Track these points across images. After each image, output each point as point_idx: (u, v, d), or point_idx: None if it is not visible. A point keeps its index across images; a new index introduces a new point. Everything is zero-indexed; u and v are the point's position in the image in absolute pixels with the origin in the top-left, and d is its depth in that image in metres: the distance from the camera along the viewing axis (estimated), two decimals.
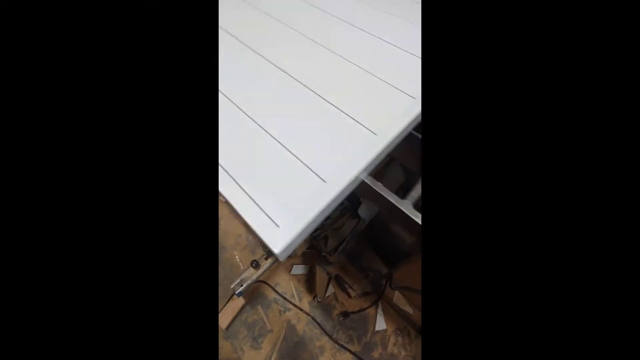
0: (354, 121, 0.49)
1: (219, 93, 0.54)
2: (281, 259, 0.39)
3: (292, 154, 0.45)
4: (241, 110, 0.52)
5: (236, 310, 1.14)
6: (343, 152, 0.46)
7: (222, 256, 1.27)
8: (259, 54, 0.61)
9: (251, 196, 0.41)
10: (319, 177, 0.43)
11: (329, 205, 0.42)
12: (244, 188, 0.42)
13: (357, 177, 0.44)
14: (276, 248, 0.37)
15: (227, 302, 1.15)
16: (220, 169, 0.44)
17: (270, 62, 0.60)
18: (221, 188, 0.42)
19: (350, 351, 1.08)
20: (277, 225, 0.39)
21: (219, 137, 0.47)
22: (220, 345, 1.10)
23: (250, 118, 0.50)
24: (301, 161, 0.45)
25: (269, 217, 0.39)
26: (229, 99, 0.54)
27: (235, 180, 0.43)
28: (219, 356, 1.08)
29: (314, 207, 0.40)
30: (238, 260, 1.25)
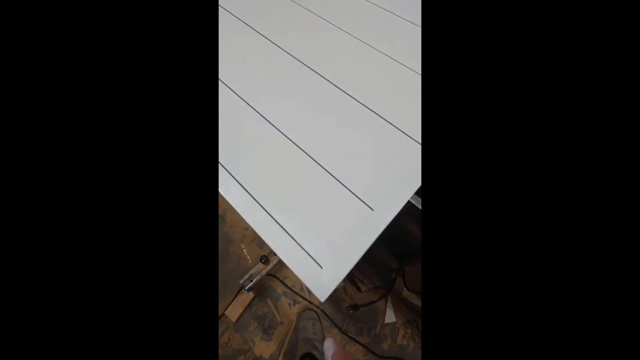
0: (401, 133, 0.42)
1: (243, 101, 0.45)
2: (323, 301, 0.34)
3: (332, 175, 0.38)
4: (269, 121, 0.43)
5: (245, 303, 1.13)
6: (389, 171, 0.39)
7: (229, 249, 1.23)
8: (282, 48, 0.51)
9: (286, 229, 0.35)
10: (366, 204, 0.37)
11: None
12: (277, 219, 0.36)
13: None
14: (322, 295, 0.32)
15: (236, 296, 1.14)
16: (246, 195, 0.37)
17: (299, 59, 0.50)
18: (247, 218, 0.36)
19: (359, 343, 1.10)
20: (320, 267, 0.33)
21: (244, 158, 0.39)
22: (230, 337, 1.10)
23: (279, 130, 0.42)
24: (342, 184, 0.38)
25: (310, 255, 0.33)
26: (250, 105, 0.45)
27: (264, 209, 0.36)
28: (230, 347, 1.09)
29: (362, 242, 0.34)
30: (245, 253, 1.22)
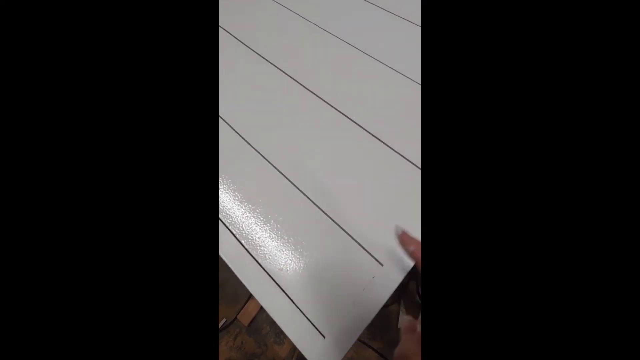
0: (413, 167, 0.36)
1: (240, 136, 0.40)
2: None
3: (334, 222, 0.34)
4: (269, 161, 0.39)
5: (257, 307, 1.14)
6: (400, 216, 0.34)
7: None
8: (283, 70, 0.45)
9: (285, 290, 0.31)
10: (374, 257, 0.32)
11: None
12: (275, 278, 0.32)
13: None
14: None
15: (248, 299, 1.15)
16: (239, 247, 0.33)
17: (297, 80, 0.44)
18: (242, 277, 0.32)
19: (372, 348, 1.09)
20: (323, 336, 0.29)
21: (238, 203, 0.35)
22: (243, 341, 1.12)
23: (277, 168, 0.37)
24: (347, 232, 0.33)
25: (310, 322, 0.30)
26: (249, 143, 0.40)
27: (262, 266, 0.32)
28: (244, 351, 1.11)
29: (370, 306, 0.30)
30: None
